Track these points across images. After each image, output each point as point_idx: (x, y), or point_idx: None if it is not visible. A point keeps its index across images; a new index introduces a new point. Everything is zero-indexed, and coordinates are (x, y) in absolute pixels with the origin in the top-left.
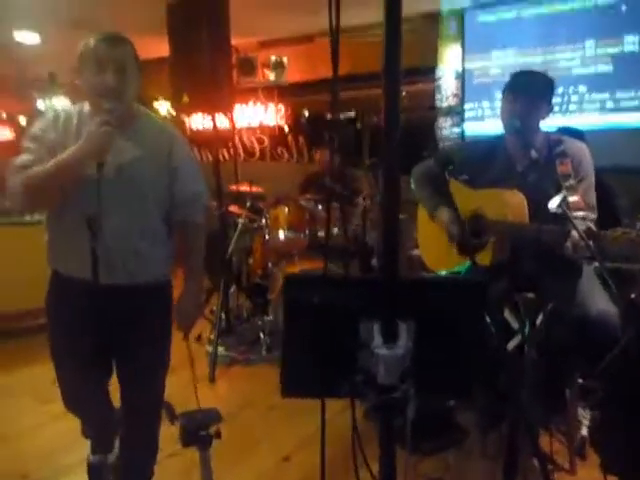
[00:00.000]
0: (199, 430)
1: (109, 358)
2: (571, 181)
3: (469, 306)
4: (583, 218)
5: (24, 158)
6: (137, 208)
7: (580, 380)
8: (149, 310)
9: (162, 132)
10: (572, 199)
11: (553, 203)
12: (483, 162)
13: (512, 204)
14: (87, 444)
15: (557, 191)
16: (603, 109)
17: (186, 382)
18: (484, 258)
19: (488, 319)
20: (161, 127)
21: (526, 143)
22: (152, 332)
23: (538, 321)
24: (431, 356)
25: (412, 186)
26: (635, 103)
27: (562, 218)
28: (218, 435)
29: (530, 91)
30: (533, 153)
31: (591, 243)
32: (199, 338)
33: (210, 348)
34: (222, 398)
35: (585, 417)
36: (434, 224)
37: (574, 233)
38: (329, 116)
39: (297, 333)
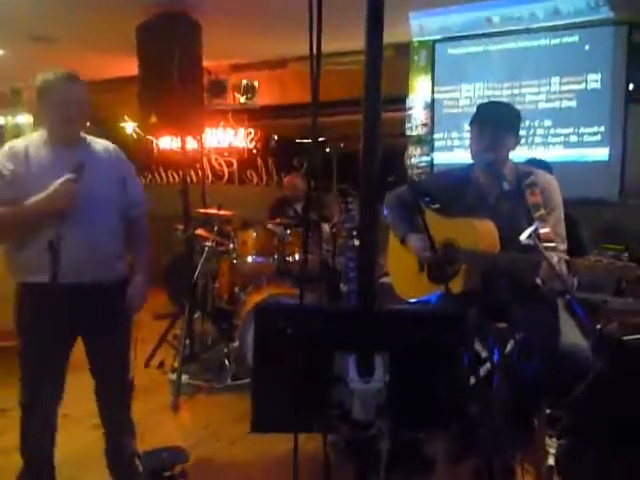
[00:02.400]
0: (163, 471)
1: (72, 345)
2: (542, 211)
3: (447, 338)
4: (554, 248)
5: None
6: (102, 214)
7: (547, 410)
8: (118, 300)
9: (108, 149)
10: (543, 231)
11: (524, 235)
12: (454, 192)
13: (484, 233)
14: None
15: (528, 221)
16: (567, 143)
17: (148, 410)
18: (455, 286)
19: None
20: (106, 145)
21: (496, 174)
22: (117, 317)
23: (507, 350)
24: (407, 389)
25: (384, 212)
26: (597, 138)
27: (533, 249)
28: (183, 476)
29: (497, 123)
30: (505, 185)
31: (564, 270)
32: (162, 365)
33: (173, 376)
34: (185, 428)
35: (551, 446)
36: (405, 251)
37: (545, 264)
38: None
39: (268, 365)
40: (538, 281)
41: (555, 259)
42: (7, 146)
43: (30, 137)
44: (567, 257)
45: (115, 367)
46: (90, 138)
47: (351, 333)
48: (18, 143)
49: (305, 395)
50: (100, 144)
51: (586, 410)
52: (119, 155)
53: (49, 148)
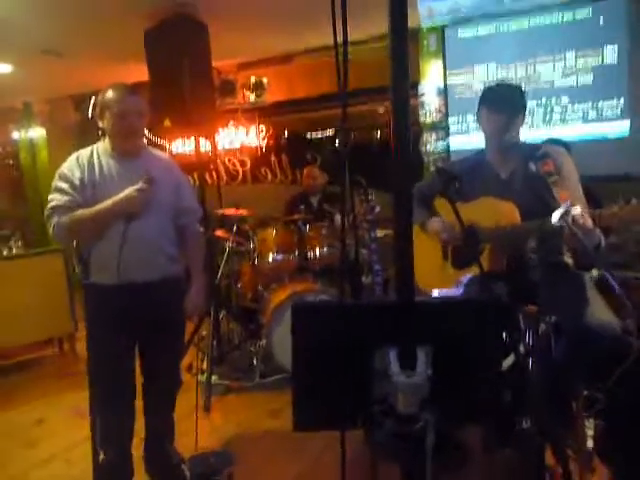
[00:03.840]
0: (211, 476)
1: (135, 340)
2: (555, 177)
3: (489, 328)
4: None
5: (60, 198)
6: (158, 218)
7: (585, 391)
8: (171, 300)
9: (163, 159)
10: (575, 212)
11: (555, 216)
12: (469, 177)
13: (504, 211)
14: None
15: (546, 189)
16: (586, 119)
17: (180, 413)
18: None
19: None
20: (161, 155)
21: (509, 153)
22: (174, 316)
23: (540, 332)
24: (449, 381)
25: None
26: (616, 112)
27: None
28: (230, 479)
29: (504, 108)
30: (531, 166)
31: (589, 223)
32: (190, 368)
33: (202, 377)
34: (218, 428)
35: (589, 428)
36: (427, 242)
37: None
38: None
39: (307, 364)
40: (567, 259)
41: (579, 210)
42: (74, 155)
43: (94, 147)
44: (591, 210)
45: (166, 366)
46: (148, 147)
47: (390, 327)
48: (83, 152)
49: (347, 391)
50: (157, 154)
51: (626, 391)
52: (174, 165)
53: (113, 158)
